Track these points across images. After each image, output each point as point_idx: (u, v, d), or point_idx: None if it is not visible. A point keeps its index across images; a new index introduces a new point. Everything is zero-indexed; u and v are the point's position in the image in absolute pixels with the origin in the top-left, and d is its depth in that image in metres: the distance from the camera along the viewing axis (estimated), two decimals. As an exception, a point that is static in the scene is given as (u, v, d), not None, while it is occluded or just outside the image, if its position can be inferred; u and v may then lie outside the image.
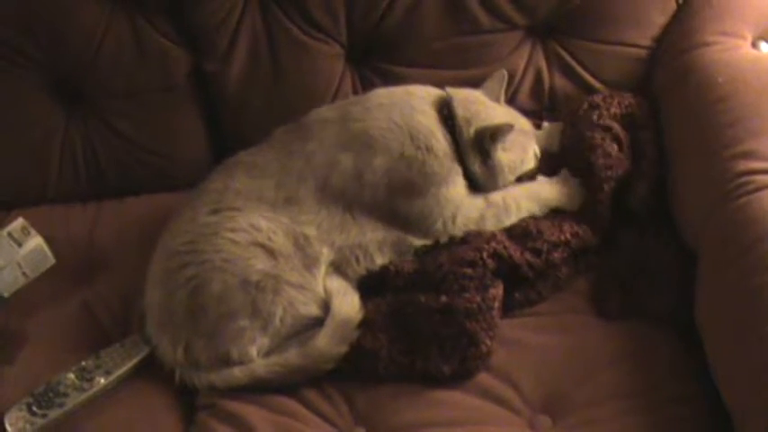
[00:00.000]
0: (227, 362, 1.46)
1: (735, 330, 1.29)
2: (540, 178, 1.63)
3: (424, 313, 1.44)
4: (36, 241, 1.66)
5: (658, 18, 1.74)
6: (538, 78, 1.77)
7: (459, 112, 1.57)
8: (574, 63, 1.77)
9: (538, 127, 1.74)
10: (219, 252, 1.47)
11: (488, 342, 1.42)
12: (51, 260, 1.68)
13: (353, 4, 1.72)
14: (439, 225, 1.54)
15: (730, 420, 1.27)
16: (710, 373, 1.33)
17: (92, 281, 1.68)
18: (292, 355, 1.45)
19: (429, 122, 1.56)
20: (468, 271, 1.46)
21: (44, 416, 1.43)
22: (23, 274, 1.65)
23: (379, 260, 1.53)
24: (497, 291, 1.46)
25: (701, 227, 1.44)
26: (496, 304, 1.44)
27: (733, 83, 1.54)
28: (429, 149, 1.54)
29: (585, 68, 1.76)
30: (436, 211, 1.54)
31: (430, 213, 1.54)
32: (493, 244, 1.49)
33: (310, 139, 1.55)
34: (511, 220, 1.57)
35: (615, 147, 1.59)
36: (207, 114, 1.81)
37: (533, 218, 1.57)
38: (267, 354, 1.47)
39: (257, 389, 1.45)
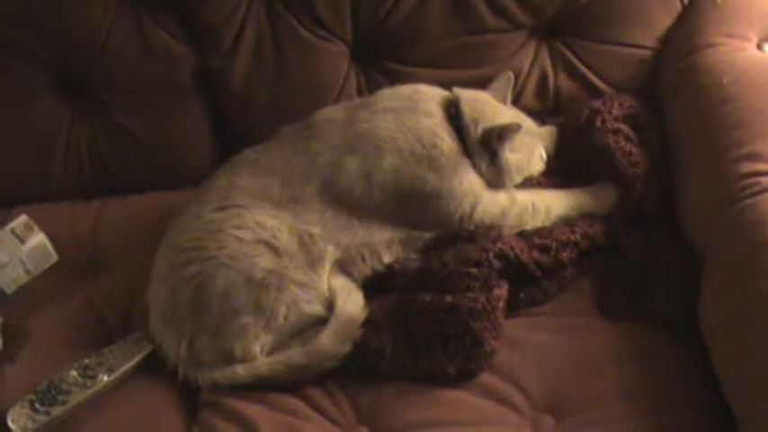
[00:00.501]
0: (230, 359, 1.46)
1: (740, 335, 1.28)
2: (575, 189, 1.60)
3: (429, 312, 1.44)
4: (39, 238, 1.66)
5: (663, 19, 1.74)
6: (543, 78, 1.78)
7: (467, 111, 1.57)
8: (579, 63, 1.77)
9: (539, 129, 1.74)
10: (224, 249, 1.47)
11: (492, 342, 1.42)
12: (54, 257, 1.68)
13: (359, 2, 1.72)
14: (456, 219, 1.53)
15: (736, 426, 1.26)
16: (716, 378, 1.32)
17: (95, 278, 1.67)
18: (296, 354, 1.45)
19: (435, 122, 1.56)
20: (474, 271, 1.45)
21: (47, 413, 1.42)
22: (26, 270, 1.66)
23: (387, 258, 1.53)
24: (502, 291, 1.45)
25: (706, 229, 1.44)
26: (501, 304, 1.44)
27: (738, 84, 1.54)
28: (436, 147, 1.53)
29: (590, 69, 1.76)
30: (452, 205, 1.53)
31: (447, 208, 1.53)
32: (499, 244, 1.48)
33: (316, 139, 1.55)
34: (535, 224, 1.55)
35: (630, 145, 1.58)
36: (212, 112, 1.81)
37: None
38: (270, 352, 1.47)
39: (260, 387, 1.44)
